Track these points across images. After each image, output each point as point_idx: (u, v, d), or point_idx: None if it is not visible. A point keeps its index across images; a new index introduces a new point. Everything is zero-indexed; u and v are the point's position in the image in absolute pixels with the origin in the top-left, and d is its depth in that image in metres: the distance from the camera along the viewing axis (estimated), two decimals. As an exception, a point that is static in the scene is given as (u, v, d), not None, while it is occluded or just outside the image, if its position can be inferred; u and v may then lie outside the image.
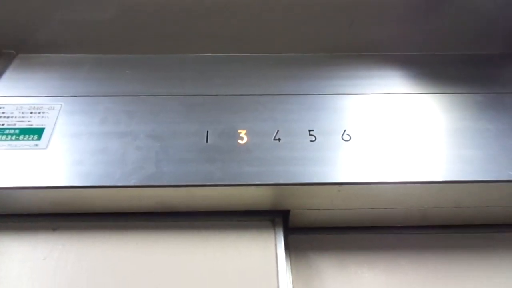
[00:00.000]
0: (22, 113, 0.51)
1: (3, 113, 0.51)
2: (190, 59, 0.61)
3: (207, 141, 0.49)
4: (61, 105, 0.52)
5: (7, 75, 0.57)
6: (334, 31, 0.62)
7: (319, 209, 0.49)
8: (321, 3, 0.59)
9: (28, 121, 0.50)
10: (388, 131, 0.50)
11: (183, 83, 0.56)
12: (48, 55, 0.60)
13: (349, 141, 0.49)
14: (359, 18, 0.60)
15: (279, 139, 0.49)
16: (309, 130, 0.50)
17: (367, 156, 0.47)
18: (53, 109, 0.52)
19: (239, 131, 0.50)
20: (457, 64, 0.60)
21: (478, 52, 0.62)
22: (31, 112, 0.51)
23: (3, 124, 0.50)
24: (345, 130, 0.50)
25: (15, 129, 0.49)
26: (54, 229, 0.47)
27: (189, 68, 0.59)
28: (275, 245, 0.47)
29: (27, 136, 0.49)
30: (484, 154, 0.48)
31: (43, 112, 0.51)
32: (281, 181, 0.45)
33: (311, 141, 0.49)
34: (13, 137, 0.48)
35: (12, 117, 0.51)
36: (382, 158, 0.47)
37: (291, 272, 0.47)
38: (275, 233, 0.48)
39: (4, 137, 0.48)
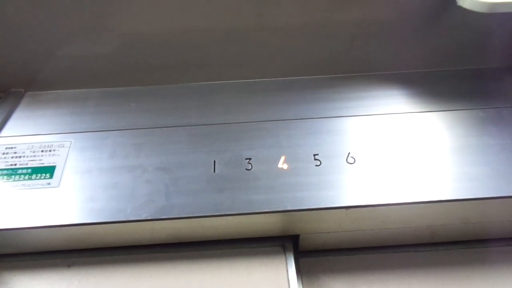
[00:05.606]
0: (33, 152, 0.52)
1: (15, 153, 0.52)
2: (193, 88, 0.62)
3: (214, 171, 0.50)
4: (71, 142, 0.53)
5: (17, 114, 0.58)
6: (332, 52, 0.62)
7: (328, 232, 0.50)
8: (319, 26, 0.59)
9: (40, 160, 0.51)
10: (392, 151, 0.51)
11: (188, 113, 0.57)
12: (55, 91, 0.62)
13: (353, 164, 0.50)
14: (358, 38, 0.61)
15: (285, 165, 0.50)
16: (314, 155, 0.51)
17: (372, 178, 0.48)
18: (63, 146, 0.53)
19: (246, 159, 0.51)
20: (458, 79, 0.61)
21: (478, 67, 0.62)
22: (42, 151, 0.52)
23: (15, 164, 0.51)
24: (349, 153, 0.51)
25: (27, 168, 0.51)
26: (69, 265, 0.48)
27: (192, 98, 0.60)
28: (287, 269, 0.47)
29: (39, 175, 0.50)
30: (489, 170, 0.48)
31: (54, 150, 0.52)
32: (289, 208, 0.46)
33: (316, 165, 0.50)
34: (26, 177, 0.50)
35: (24, 156, 0.52)
36: (388, 179, 0.48)
37: (304, 295, 0.47)
38: (286, 258, 0.48)
39: (17, 177, 0.50)
